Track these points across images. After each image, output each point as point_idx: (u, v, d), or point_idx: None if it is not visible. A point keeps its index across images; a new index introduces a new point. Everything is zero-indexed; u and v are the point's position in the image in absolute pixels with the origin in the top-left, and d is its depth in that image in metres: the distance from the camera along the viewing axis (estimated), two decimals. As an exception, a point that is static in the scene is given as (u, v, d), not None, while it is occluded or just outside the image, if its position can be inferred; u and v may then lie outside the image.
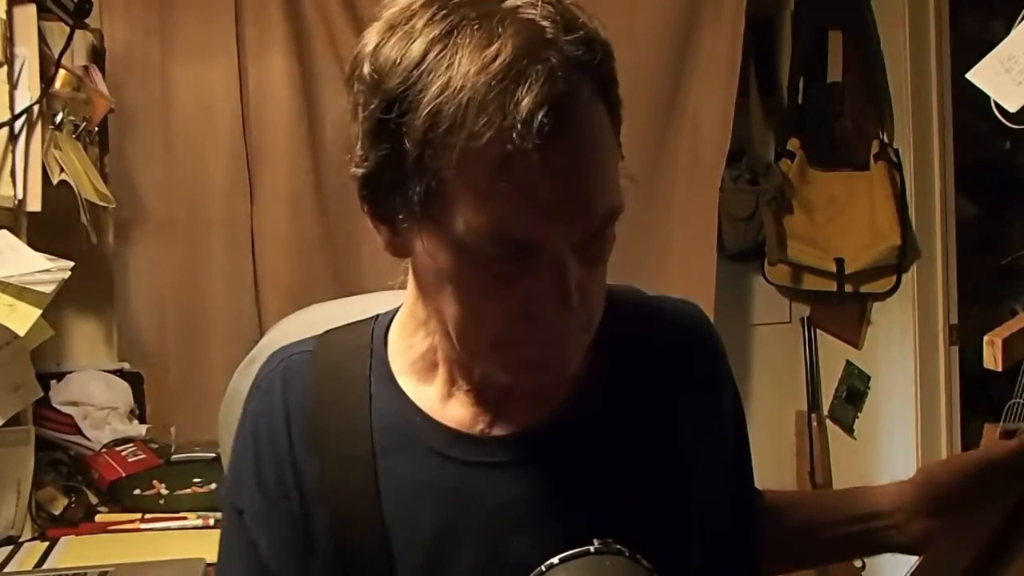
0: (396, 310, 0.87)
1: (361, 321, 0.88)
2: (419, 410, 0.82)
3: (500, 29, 0.67)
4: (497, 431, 0.81)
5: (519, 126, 0.64)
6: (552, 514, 0.78)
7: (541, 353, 0.74)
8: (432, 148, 0.67)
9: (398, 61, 0.69)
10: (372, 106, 0.70)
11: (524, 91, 0.65)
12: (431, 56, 0.67)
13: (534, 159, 0.65)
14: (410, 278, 0.82)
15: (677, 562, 0.80)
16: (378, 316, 0.88)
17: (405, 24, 0.70)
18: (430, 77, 0.67)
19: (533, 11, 0.68)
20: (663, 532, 0.80)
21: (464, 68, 0.66)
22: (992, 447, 0.91)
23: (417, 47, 0.68)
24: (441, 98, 0.66)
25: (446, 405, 0.82)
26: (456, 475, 0.80)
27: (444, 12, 0.69)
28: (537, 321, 0.71)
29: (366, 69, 0.72)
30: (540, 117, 0.64)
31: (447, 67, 0.66)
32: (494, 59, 0.65)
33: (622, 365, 0.84)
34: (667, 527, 0.81)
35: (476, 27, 0.67)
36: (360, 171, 0.73)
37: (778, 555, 0.98)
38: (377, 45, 0.72)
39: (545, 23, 0.68)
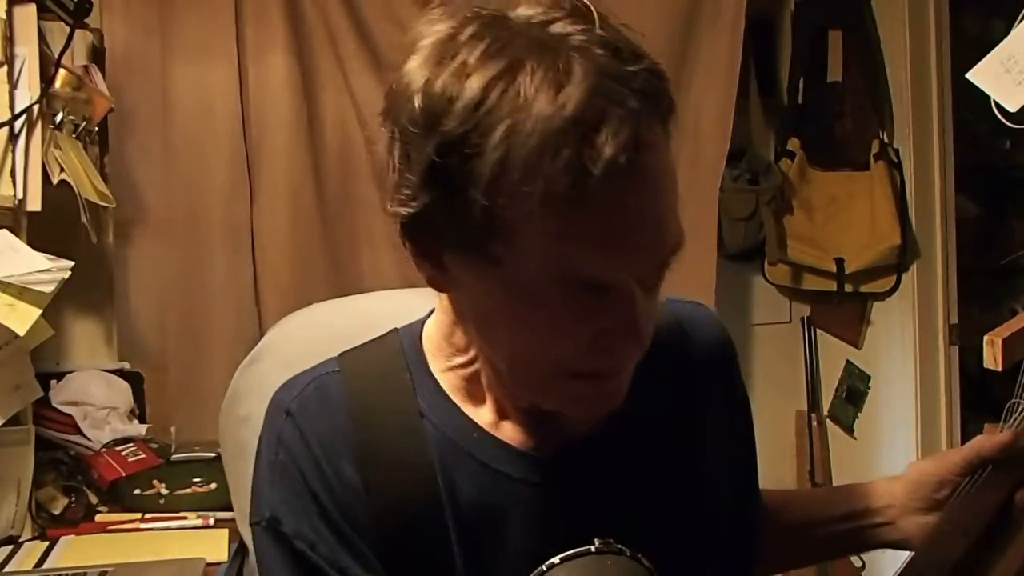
0: (417, 324, 0.85)
1: (378, 339, 0.85)
2: (476, 426, 0.80)
3: (565, 64, 0.64)
4: (554, 447, 0.80)
5: (599, 171, 0.63)
6: (602, 524, 0.77)
7: (605, 385, 0.73)
8: (503, 195, 0.64)
9: (454, 99, 0.65)
10: (426, 148, 0.66)
11: (604, 136, 0.63)
12: (493, 96, 0.64)
13: (611, 199, 0.64)
14: (442, 302, 0.80)
15: (691, 571, 0.80)
16: (398, 330, 0.85)
17: (453, 59, 0.66)
18: (493, 119, 0.64)
19: (589, 40, 0.66)
20: (684, 543, 0.80)
21: (536, 110, 0.63)
22: (981, 441, 0.91)
23: (475, 85, 0.65)
24: (511, 142, 0.63)
25: (499, 424, 0.80)
26: (517, 493, 0.78)
27: (498, 45, 0.66)
28: (605, 355, 0.71)
29: (416, 105, 0.67)
30: (620, 160, 0.63)
31: (513, 109, 0.64)
32: (566, 101, 0.63)
33: (649, 377, 0.82)
34: (688, 538, 0.81)
35: (537, 63, 0.64)
36: (406, 211, 0.70)
37: (772, 553, 0.98)
38: (427, 81, 0.67)
39: (606, 54, 0.65)
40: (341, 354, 0.84)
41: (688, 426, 0.85)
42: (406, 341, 0.83)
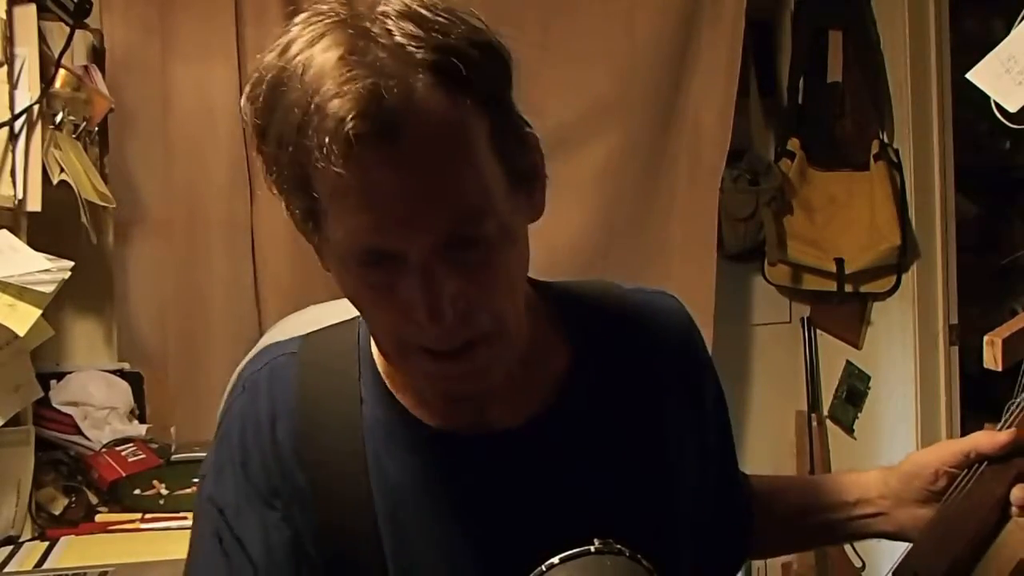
0: None
1: (346, 322, 0.88)
2: (405, 410, 0.82)
3: (343, 37, 0.66)
4: (480, 430, 0.81)
5: (333, 137, 0.63)
6: (539, 513, 0.79)
7: (445, 365, 0.73)
8: (286, 170, 0.69)
9: (260, 77, 0.70)
10: (248, 129, 0.72)
11: (330, 100, 0.64)
12: (287, 73, 0.68)
13: (364, 166, 0.64)
14: None
15: (668, 556, 0.80)
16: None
17: (282, 38, 0.71)
18: (280, 92, 0.68)
19: (390, 21, 0.67)
20: (650, 528, 0.80)
21: (300, 81, 0.66)
22: (979, 438, 0.90)
23: (279, 64, 0.69)
24: (282, 115, 0.67)
25: (428, 406, 0.82)
26: (445, 475, 0.80)
27: (313, 26, 0.69)
28: (420, 329, 0.70)
29: (246, 90, 0.72)
30: (348, 125, 0.63)
31: (290, 81, 0.67)
32: (320, 69, 0.65)
33: (603, 362, 0.84)
34: (654, 522, 0.82)
35: (325, 38, 0.67)
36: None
37: (764, 540, 0.98)
38: (257, 64, 0.72)
39: (394, 28, 0.66)
40: (308, 334, 0.88)
41: (646, 414, 0.84)
42: (363, 328, 0.85)
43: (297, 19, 0.71)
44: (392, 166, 0.65)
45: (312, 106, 0.64)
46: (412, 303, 0.69)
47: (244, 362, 1.01)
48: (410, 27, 0.66)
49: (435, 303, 0.68)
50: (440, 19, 0.68)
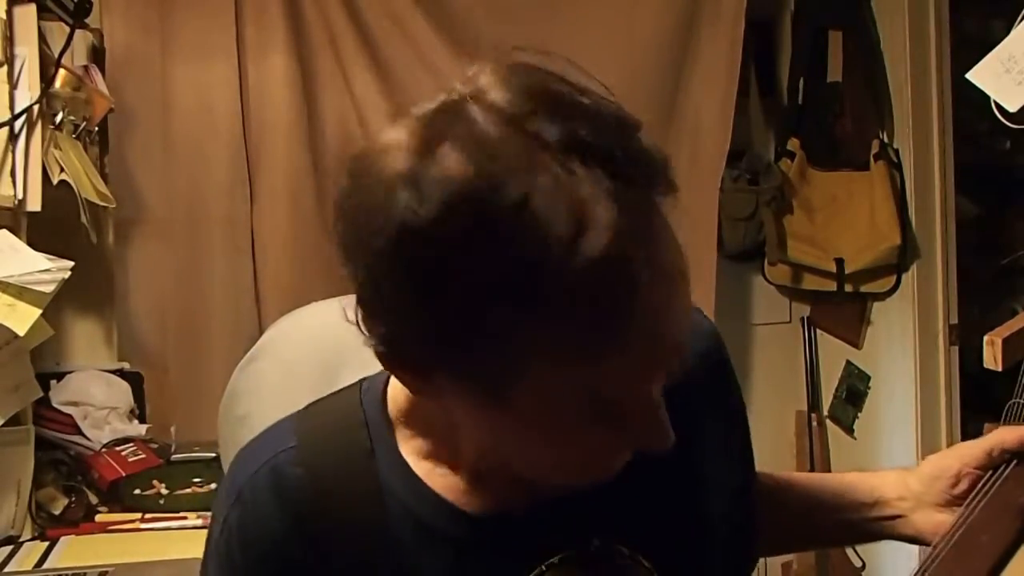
0: (382, 380, 0.77)
1: (342, 393, 0.78)
2: (438, 496, 0.73)
3: (572, 186, 0.56)
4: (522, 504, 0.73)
5: (642, 301, 0.57)
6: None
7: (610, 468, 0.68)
8: (498, 326, 0.57)
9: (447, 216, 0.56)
10: (414, 268, 0.58)
11: (584, 241, 0.55)
12: (503, 220, 0.55)
13: (642, 315, 0.58)
14: None
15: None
16: (363, 386, 0.78)
17: (433, 168, 0.57)
18: (497, 228, 0.55)
19: (568, 138, 0.57)
20: (685, 557, 0.78)
21: (548, 234, 0.55)
22: (1003, 433, 0.86)
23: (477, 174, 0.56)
24: (514, 269, 0.56)
25: (469, 492, 0.73)
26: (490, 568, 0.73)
27: (479, 154, 0.56)
28: (625, 442, 0.65)
29: (398, 229, 0.57)
30: (612, 249, 0.55)
31: (518, 210, 0.55)
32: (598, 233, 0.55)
33: None
34: (687, 551, 0.79)
35: (542, 185, 0.56)
36: (381, 330, 0.63)
37: (774, 538, 0.96)
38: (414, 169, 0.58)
39: (584, 131, 0.58)
40: (303, 417, 0.77)
41: (681, 444, 0.79)
42: (368, 397, 0.76)
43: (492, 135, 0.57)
44: (667, 305, 0.60)
45: (564, 248, 0.55)
46: (636, 439, 0.64)
47: (243, 362, 1.00)
48: (618, 142, 0.59)
49: (663, 430, 0.64)
50: (633, 127, 0.62)
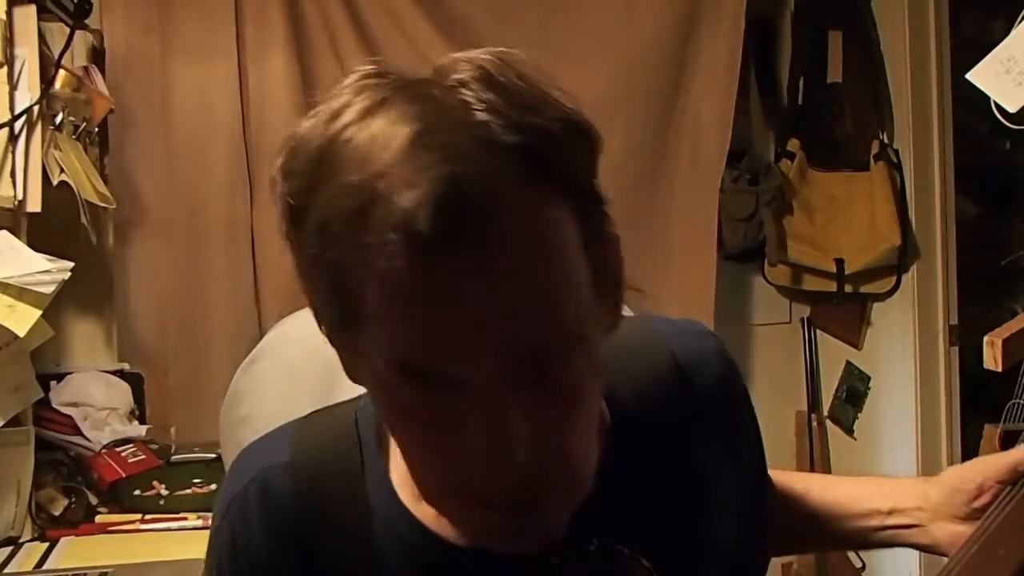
0: None
1: (340, 408, 0.77)
2: (423, 527, 0.70)
3: (412, 109, 0.54)
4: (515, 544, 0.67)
5: (393, 234, 0.52)
6: None
7: (502, 519, 0.60)
8: (322, 270, 0.57)
9: (303, 152, 0.58)
10: (277, 214, 0.60)
11: (402, 188, 0.52)
12: (338, 143, 0.55)
13: (423, 273, 0.53)
14: None
15: None
16: (361, 400, 0.75)
17: (326, 107, 0.58)
18: (328, 172, 0.55)
19: (467, 92, 0.55)
20: (686, 561, 0.75)
21: (356, 160, 0.54)
22: None
23: (328, 134, 0.56)
24: (328, 201, 0.55)
25: (455, 518, 0.69)
26: None
27: (371, 90, 0.57)
28: (483, 480, 0.57)
29: (274, 167, 0.61)
30: (420, 220, 0.51)
31: (345, 159, 0.55)
32: (383, 147, 0.53)
33: (643, 430, 0.73)
34: (689, 556, 0.76)
35: (390, 109, 0.55)
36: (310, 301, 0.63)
37: (786, 541, 0.94)
38: (295, 134, 0.60)
39: (476, 104, 0.55)
40: (298, 429, 0.76)
41: (687, 476, 0.76)
42: (363, 416, 0.74)
43: (348, 79, 0.59)
44: (469, 272, 0.53)
45: (373, 193, 0.53)
46: (471, 441, 0.56)
47: (244, 363, 1.00)
48: (493, 101, 0.55)
49: (503, 443, 0.56)
50: (526, 93, 0.57)
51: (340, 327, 0.60)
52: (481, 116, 0.54)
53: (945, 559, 0.86)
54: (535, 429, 0.57)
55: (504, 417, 0.56)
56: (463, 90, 0.55)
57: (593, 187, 0.61)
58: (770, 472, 0.90)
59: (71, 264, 1.72)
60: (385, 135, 0.54)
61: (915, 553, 0.94)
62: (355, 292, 0.56)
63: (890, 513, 0.91)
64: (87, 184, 1.97)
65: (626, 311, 0.68)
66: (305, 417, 0.77)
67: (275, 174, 0.61)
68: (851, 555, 2.68)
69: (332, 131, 0.56)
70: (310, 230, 0.56)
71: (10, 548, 1.75)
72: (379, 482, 0.71)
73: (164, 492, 1.93)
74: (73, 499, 1.92)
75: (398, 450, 0.69)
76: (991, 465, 0.86)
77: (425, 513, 0.70)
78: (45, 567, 1.67)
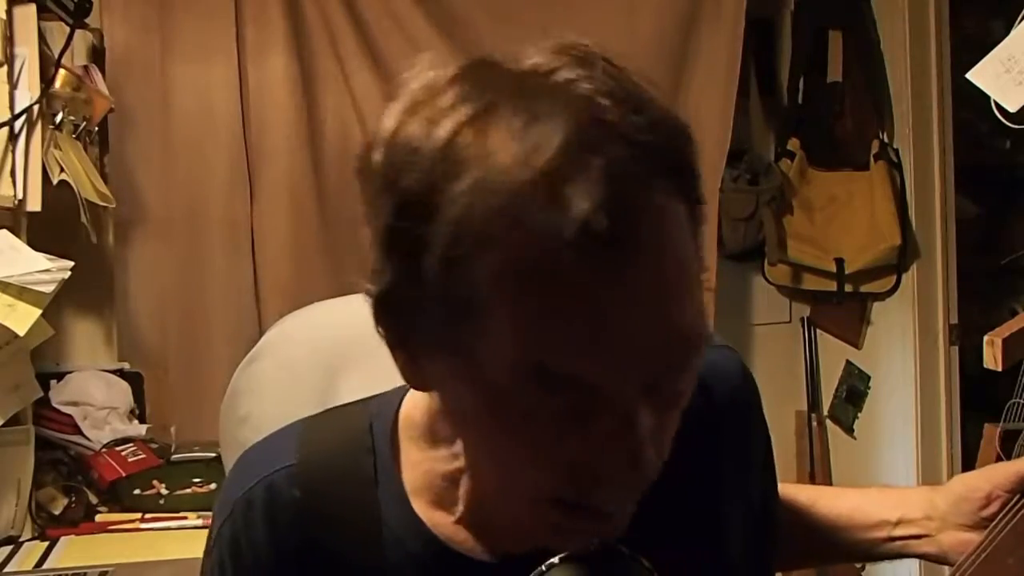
0: (395, 397, 0.73)
1: (350, 410, 0.75)
2: (440, 543, 0.69)
3: (547, 109, 0.53)
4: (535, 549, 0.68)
5: (570, 236, 0.50)
6: None
7: (597, 525, 0.61)
8: (459, 267, 0.53)
9: (417, 150, 0.55)
10: (385, 210, 0.56)
11: (576, 190, 0.51)
12: (459, 144, 0.53)
13: (592, 277, 0.52)
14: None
15: None
16: (372, 406, 0.74)
17: (428, 103, 0.56)
18: (456, 172, 0.53)
19: (589, 84, 0.54)
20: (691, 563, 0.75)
21: (500, 161, 0.52)
22: None
23: (441, 133, 0.54)
24: (471, 200, 0.52)
25: (467, 534, 0.70)
26: None
27: (479, 88, 0.55)
28: (591, 484, 0.57)
29: (377, 159, 0.57)
30: (598, 223, 0.50)
31: (478, 160, 0.53)
32: (536, 149, 0.51)
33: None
34: (695, 560, 0.76)
35: (516, 107, 0.53)
36: (374, 289, 0.60)
37: (793, 554, 0.94)
38: (393, 131, 0.57)
39: (604, 100, 0.54)
40: (305, 429, 0.74)
41: (702, 491, 0.76)
42: (378, 422, 0.73)
43: (426, 74, 0.57)
44: (637, 279, 0.53)
45: (535, 191, 0.51)
46: (601, 448, 0.55)
47: (244, 363, 1.00)
48: (621, 96, 0.54)
49: (634, 453, 0.55)
50: (641, 90, 0.56)
51: (450, 327, 0.56)
52: (615, 114, 0.53)
53: (951, 568, 0.86)
54: (655, 432, 0.57)
55: (636, 423, 0.55)
56: (582, 85, 0.54)
57: (701, 196, 0.61)
58: None
59: (71, 263, 1.72)
60: (534, 136, 0.52)
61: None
62: (491, 292, 0.53)
63: (898, 523, 0.91)
64: (87, 183, 1.97)
65: None
66: (313, 418, 0.76)
67: (376, 167, 0.57)
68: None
69: (448, 128, 0.54)
70: (444, 226, 0.53)
71: (10, 547, 1.75)
72: (393, 492, 0.70)
73: (164, 491, 1.94)
74: (73, 498, 1.92)
75: (413, 461, 0.70)
76: (1000, 474, 0.86)
77: (438, 522, 0.69)
78: (45, 566, 1.67)
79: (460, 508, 0.69)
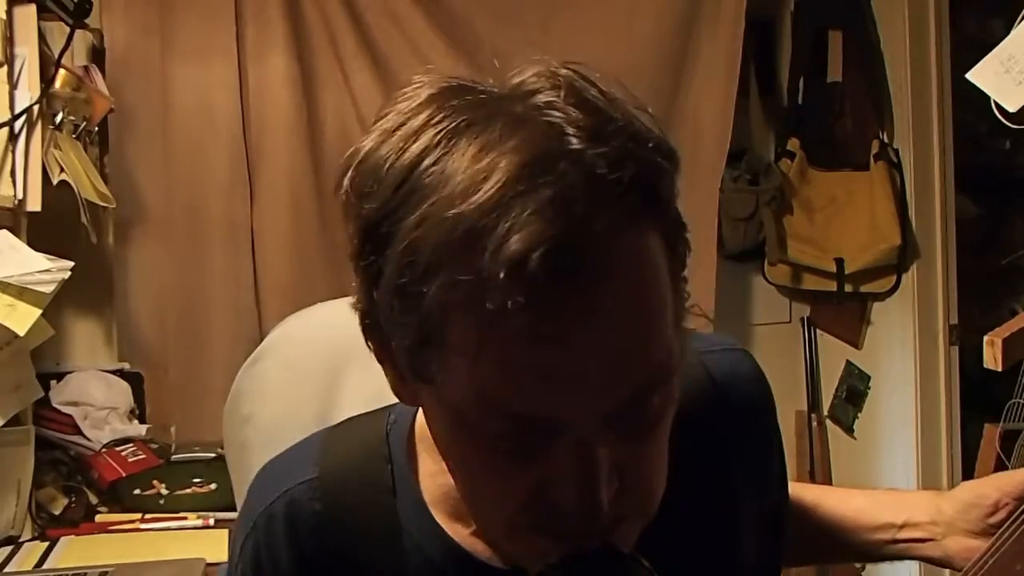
0: (411, 411, 0.73)
1: (369, 420, 0.75)
2: (460, 549, 0.69)
3: (506, 135, 0.52)
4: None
5: (503, 273, 0.49)
6: None
7: (567, 547, 0.59)
8: (411, 297, 0.53)
9: (382, 174, 0.55)
10: (350, 231, 0.57)
11: (513, 224, 0.49)
12: (420, 169, 0.53)
13: (532, 314, 0.50)
14: None
15: None
16: (390, 415, 0.74)
17: (402, 125, 0.56)
18: (414, 199, 0.52)
19: (560, 113, 0.53)
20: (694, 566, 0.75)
21: (451, 189, 0.51)
22: None
23: (407, 157, 0.54)
24: (419, 231, 0.52)
25: (485, 545, 0.69)
26: None
27: (451, 110, 0.54)
28: (556, 515, 0.57)
29: (346, 183, 0.58)
30: (534, 260, 0.49)
31: (433, 188, 0.52)
32: (485, 179, 0.50)
33: (681, 451, 0.69)
34: (699, 563, 0.75)
35: (480, 133, 0.52)
36: (356, 306, 0.60)
37: (798, 554, 0.93)
38: (368, 151, 0.57)
39: (570, 129, 0.52)
40: (326, 441, 0.74)
41: (717, 496, 0.75)
42: (397, 436, 0.73)
43: (417, 91, 0.57)
44: (581, 315, 0.52)
45: (476, 227, 0.50)
46: (558, 477, 0.55)
47: (247, 363, 1.00)
48: (590, 126, 0.53)
49: (592, 489, 0.55)
50: (617, 117, 0.55)
51: (413, 353, 0.56)
52: (579, 144, 0.52)
53: (958, 573, 0.86)
54: (617, 465, 0.56)
55: (594, 454, 0.55)
56: (553, 112, 0.53)
57: (679, 214, 0.59)
58: None
59: (71, 263, 1.72)
60: (485, 164, 0.51)
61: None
62: (441, 322, 0.53)
63: (903, 527, 0.90)
64: (87, 183, 1.97)
65: None
66: (332, 429, 0.76)
67: (346, 191, 0.58)
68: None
69: (413, 152, 0.54)
70: (395, 256, 0.53)
71: (10, 547, 1.75)
72: (411, 500, 0.70)
73: (164, 491, 1.94)
74: (73, 498, 1.92)
75: (430, 471, 0.70)
76: (1008, 481, 0.85)
77: (458, 532, 0.69)
78: (45, 566, 1.67)
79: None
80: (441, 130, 0.53)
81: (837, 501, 0.96)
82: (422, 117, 0.55)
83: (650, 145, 0.55)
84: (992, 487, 0.86)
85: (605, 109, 0.55)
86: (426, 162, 0.53)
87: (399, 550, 0.69)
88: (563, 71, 0.56)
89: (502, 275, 0.49)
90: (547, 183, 0.50)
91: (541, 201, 0.50)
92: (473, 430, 0.56)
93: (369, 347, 0.62)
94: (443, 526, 0.70)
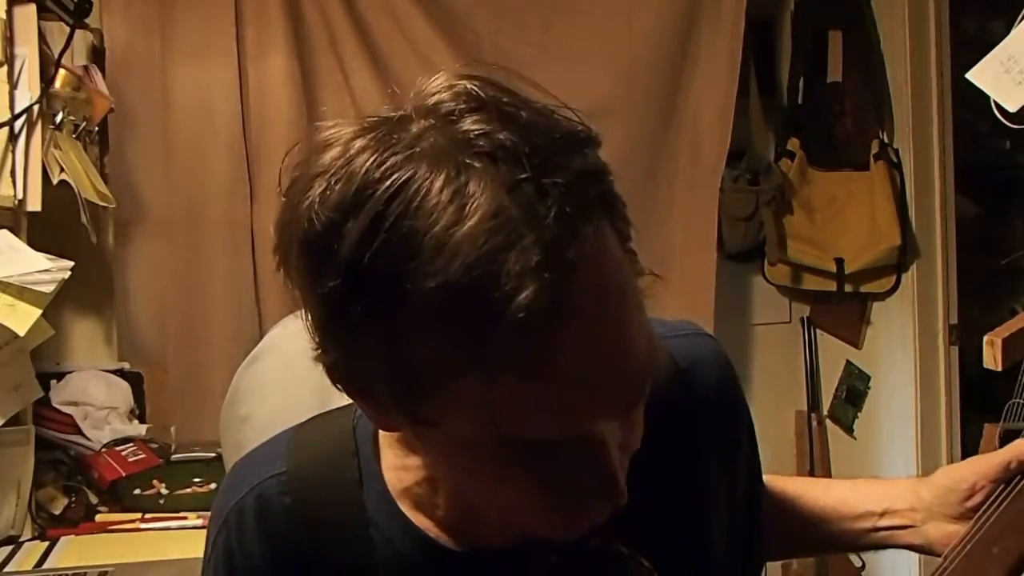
0: None
1: (335, 417, 0.76)
2: (425, 536, 0.71)
3: (466, 180, 0.52)
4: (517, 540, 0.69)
5: (509, 327, 0.50)
6: None
7: (572, 529, 0.63)
8: (394, 358, 0.54)
9: (338, 255, 0.54)
10: (308, 302, 0.58)
11: (506, 281, 0.50)
12: (382, 238, 0.52)
13: (543, 353, 0.52)
14: None
15: None
16: (356, 410, 0.74)
17: (343, 168, 0.57)
18: (389, 270, 0.52)
19: (479, 126, 0.54)
20: (685, 561, 0.76)
21: (432, 246, 0.51)
22: (1019, 445, 0.84)
23: (361, 228, 0.53)
24: (409, 297, 0.52)
25: (452, 532, 0.71)
26: None
27: (388, 152, 0.55)
28: (568, 499, 0.60)
29: (301, 236, 0.57)
30: (541, 302, 0.50)
31: (406, 255, 0.52)
32: (460, 243, 0.51)
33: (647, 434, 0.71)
34: (687, 556, 0.76)
35: (434, 179, 0.52)
36: (322, 359, 0.59)
37: (781, 545, 0.95)
38: (310, 233, 0.56)
39: (507, 159, 0.53)
40: (294, 438, 0.75)
41: (686, 477, 0.77)
42: (361, 424, 0.74)
43: (339, 128, 0.60)
44: (595, 335, 0.53)
45: (476, 286, 0.50)
46: (575, 474, 0.58)
47: (246, 363, 1.00)
48: (516, 144, 0.53)
49: (608, 480, 0.58)
50: (537, 122, 0.56)
51: (407, 403, 0.56)
52: (523, 172, 0.52)
53: (939, 559, 0.86)
54: (623, 442, 0.60)
55: (609, 456, 0.58)
56: (482, 142, 0.53)
57: (619, 197, 0.60)
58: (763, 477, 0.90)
59: (71, 263, 1.72)
60: (471, 198, 0.51)
61: (914, 553, 0.93)
62: (444, 376, 0.53)
63: (883, 514, 0.91)
64: (87, 183, 1.97)
65: None
66: (301, 426, 0.77)
67: (297, 270, 0.58)
68: (851, 555, 2.68)
69: (386, 183, 0.53)
70: (379, 323, 0.53)
71: (10, 547, 1.75)
72: (377, 492, 0.72)
73: (164, 491, 1.94)
74: (73, 498, 1.92)
75: (392, 465, 0.71)
76: (984, 464, 0.86)
77: (423, 522, 0.71)
78: (45, 566, 1.67)
79: (441, 510, 0.71)
80: (389, 189, 0.53)
81: (819, 492, 0.96)
82: (357, 182, 0.55)
83: (578, 147, 0.56)
84: (969, 471, 0.87)
85: (520, 115, 0.55)
86: (392, 205, 0.53)
87: (367, 541, 0.71)
88: (469, 85, 0.57)
89: (508, 330, 0.50)
90: (518, 232, 0.51)
91: (524, 248, 0.51)
92: (486, 454, 0.57)
93: (338, 388, 0.61)
94: (409, 516, 0.71)
